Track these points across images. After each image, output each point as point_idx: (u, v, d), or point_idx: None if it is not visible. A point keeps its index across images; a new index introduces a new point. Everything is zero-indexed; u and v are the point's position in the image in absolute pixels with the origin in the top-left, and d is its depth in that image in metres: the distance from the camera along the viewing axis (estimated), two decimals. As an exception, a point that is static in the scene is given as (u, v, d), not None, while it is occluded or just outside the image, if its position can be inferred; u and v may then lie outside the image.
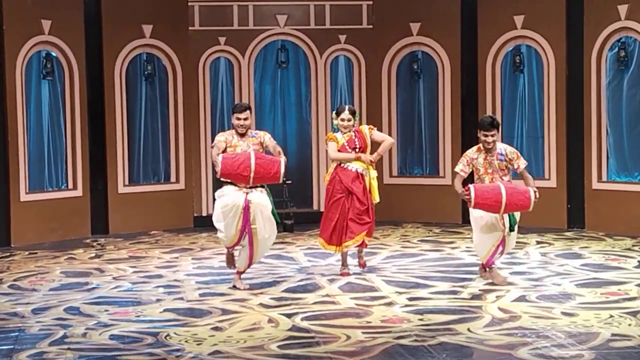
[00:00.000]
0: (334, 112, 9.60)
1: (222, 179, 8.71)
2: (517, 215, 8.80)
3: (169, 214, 13.06)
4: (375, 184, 9.46)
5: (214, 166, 8.92)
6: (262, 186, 8.84)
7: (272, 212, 8.83)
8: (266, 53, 13.63)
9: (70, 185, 12.51)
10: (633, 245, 10.86)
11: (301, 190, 13.19)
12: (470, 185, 8.54)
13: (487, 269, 8.86)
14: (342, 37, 13.63)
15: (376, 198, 9.48)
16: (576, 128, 12.30)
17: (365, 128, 9.52)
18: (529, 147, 12.82)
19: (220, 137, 8.87)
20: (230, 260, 9.06)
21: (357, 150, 9.33)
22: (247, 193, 8.69)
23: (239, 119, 8.78)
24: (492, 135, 8.66)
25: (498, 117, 12.81)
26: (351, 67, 13.76)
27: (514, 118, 12.94)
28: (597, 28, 12.05)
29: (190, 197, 13.31)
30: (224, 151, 8.73)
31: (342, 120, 9.32)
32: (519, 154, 8.89)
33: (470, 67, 13.06)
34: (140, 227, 12.76)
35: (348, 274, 9.31)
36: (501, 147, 8.86)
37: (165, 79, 13.25)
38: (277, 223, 8.94)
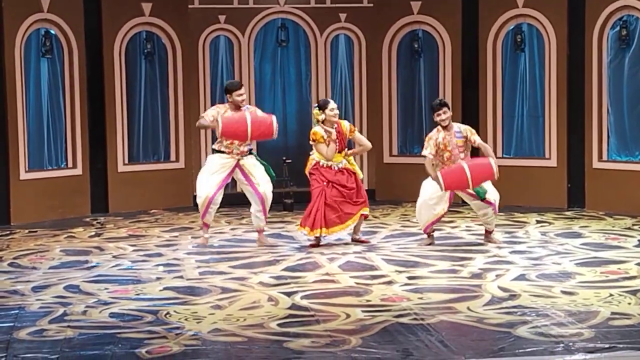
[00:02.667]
0: (316, 108, 9.71)
1: (214, 148, 9.59)
2: (488, 187, 9.46)
3: (168, 193, 13.06)
4: (357, 168, 9.93)
5: (201, 127, 9.86)
6: (251, 153, 9.65)
7: (266, 169, 9.69)
8: (266, 32, 13.58)
9: (70, 164, 12.49)
10: (633, 225, 10.86)
11: (301, 169, 13.06)
12: (438, 173, 9.29)
13: (427, 236, 9.73)
14: (343, 16, 13.58)
15: (360, 175, 9.93)
16: (577, 107, 12.28)
17: (346, 127, 9.83)
18: (530, 127, 12.81)
19: (212, 111, 9.55)
20: (205, 241, 9.73)
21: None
22: (238, 160, 9.50)
23: (240, 95, 9.56)
24: (444, 113, 9.46)
25: (499, 96, 12.89)
26: (351, 46, 13.71)
27: (514, 97, 12.91)
28: (598, 6, 12.00)
29: (190, 176, 13.28)
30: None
31: (332, 110, 9.64)
32: (472, 130, 9.66)
33: (471, 46, 13.01)
34: (140, 205, 12.75)
35: (317, 245, 9.67)
36: (457, 125, 9.65)
37: (165, 58, 13.21)
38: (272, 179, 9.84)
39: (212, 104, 13.34)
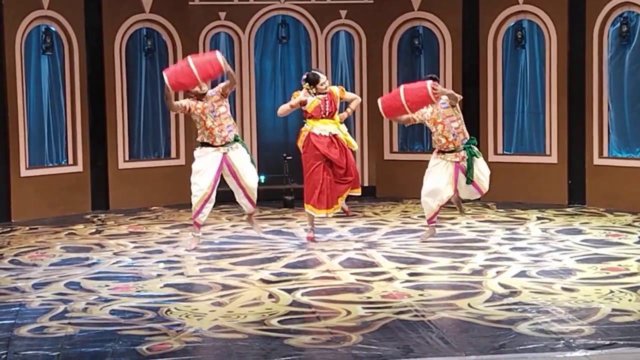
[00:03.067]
0: (306, 83, 9.74)
1: (198, 140, 9.54)
2: (479, 172, 9.56)
3: (169, 190, 13.05)
4: (349, 137, 9.92)
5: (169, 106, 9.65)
6: (236, 140, 9.57)
7: (251, 160, 9.69)
8: (267, 28, 13.57)
9: (71, 161, 12.49)
10: (634, 221, 10.85)
11: (301, 166, 13.14)
12: (379, 99, 9.53)
13: (429, 227, 9.76)
14: (343, 12, 13.57)
15: (354, 146, 9.98)
16: (577, 104, 12.27)
17: (336, 90, 9.89)
18: (530, 123, 12.80)
19: (184, 101, 9.54)
20: (192, 244, 9.59)
21: (326, 114, 9.74)
22: (225, 153, 9.42)
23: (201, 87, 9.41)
24: (436, 85, 9.42)
25: (499, 93, 12.89)
26: (352, 43, 13.70)
27: (515, 94, 12.90)
28: (599, 3, 11.99)
29: (190, 172, 13.25)
30: (188, 111, 9.45)
31: (322, 85, 9.73)
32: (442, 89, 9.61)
33: (471, 42, 13.00)
34: (141, 202, 12.76)
35: (313, 240, 9.72)
36: (441, 100, 9.62)
37: (166, 54, 13.20)
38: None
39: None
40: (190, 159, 13.18)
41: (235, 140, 9.60)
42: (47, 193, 12.08)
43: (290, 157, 12.67)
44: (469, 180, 9.57)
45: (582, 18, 12.15)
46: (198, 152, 9.60)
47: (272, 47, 13.60)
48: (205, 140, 9.50)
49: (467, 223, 10.90)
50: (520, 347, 5.93)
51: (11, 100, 11.69)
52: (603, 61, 12.07)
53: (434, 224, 9.80)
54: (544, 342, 6.02)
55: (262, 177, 13.21)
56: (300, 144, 9.90)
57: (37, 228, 11.11)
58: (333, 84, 13.54)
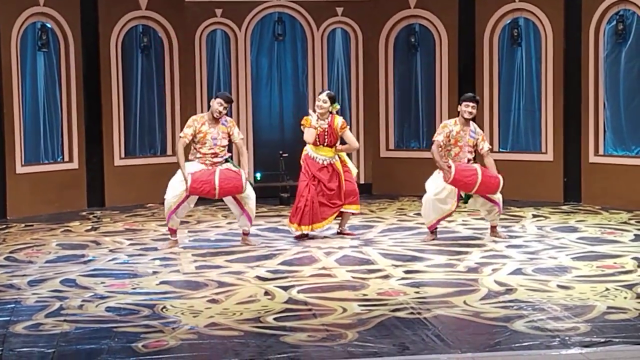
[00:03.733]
0: (336, 103, 9.97)
1: (190, 159, 9.42)
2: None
3: (165, 187, 13.01)
4: (349, 164, 10.02)
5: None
6: (227, 161, 9.45)
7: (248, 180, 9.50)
8: (263, 25, 13.56)
9: (66, 158, 12.49)
10: (629, 219, 10.87)
11: (297, 163, 13.13)
12: (452, 163, 9.29)
13: (431, 233, 9.66)
14: (339, 10, 13.57)
15: (354, 171, 10.08)
16: (573, 101, 12.28)
17: (338, 123, 9.85)
18: (526, 121, 12.82)
19: (189, 130, 9.36)
20: (173, 244, 9.50)
21: (324, 144, 9.81)
22: (214, 171, 9.24)
23: (221, 104, 9.33)
24: (473, 108, 9.44)
25: (495, 91, 12.90)
26: (348, 40, 13.70)
27: (511, 91, 12.91)
28: (595, 1, 12.00)
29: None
30: (193, 138, 9.31)
31: (318, 100, 9.82)
32: (484, 136, 9.70)
33: (467, 40, 13.01)
34: (137, 199, 12.75)
35: (306, 236, 9.83)
36: (474, 125, 9.60)
37: (162, 51, 13.20)
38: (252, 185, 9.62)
39: (209, 98, 13.34)
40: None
41: (227, 161, 9.50)
42: (43, 190, 12.07)
43: (286, 155, 12.67)
44: (465, 201, 9.55)
45: (578, 16, 12.16)
46: (190, 163, 9.42)
47: (268, 44, 13.60)
48: (196, 161, 9.41)
49: (463, 221, 10.90)
50: (516, 345, 5.94)
51: (7, 97, 11.67)
52: (599, 59, 12.08)
53: (434, 231, 9.71)
54: (539, 340, 6.02)
55: (258, 175, 13.23)
56: (302, 162, 9.97)
57: (32, 225, 11.10)
58: (329, 81, 13.61)
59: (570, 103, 12.31)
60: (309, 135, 9.80)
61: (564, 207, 11.95)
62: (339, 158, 9.92)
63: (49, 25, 12.23)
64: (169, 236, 9.66)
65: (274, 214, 11.74)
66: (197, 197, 9.46)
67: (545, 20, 12.48)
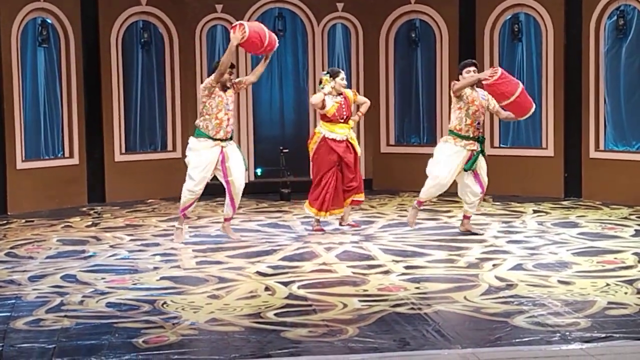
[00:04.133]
0: (326, 75, 9.74)
1: (198, 126, 9.38)
2: (480, 168, 9.63)
3: (165, 183, 13.05)
4: (355, 142, 10.00)
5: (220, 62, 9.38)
6: (231, 137, 9.50)
7: (244, 161, 9.56)
8: (263, 21, 13.46)
9: (67, 153, 12.49)
10: (630, 214, 10.87)
11: (298, 158, 13.15)
12: (498, 67, 9.46)
13: (416, 207, 9.86)
14: (340, 5, 13.56)
15: (359, 151, 10.07)
16: (574, 97, 12.27)
17: (350, 94, 9.91)
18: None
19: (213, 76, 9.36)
20: (180, 236, 9.52)
21: (343, 118, 9.76)
22: (223, 147, 9.30)
23: (231, 73, 9.45)
24: (475, 72, 9.52)
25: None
26: (349, 36, 13.69)
27: (511, 87, 12.88)
28: (595, -4, 12.00)
29: (187, 165, 13.26)
30: (210, 95, 9.31)
31: (342, 79, 9.78)
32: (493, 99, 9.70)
33: (468, 35, 13.00)
34: (137, 195, 12.75)
35: (323, 230, 9.85)
36: (481, 90, 9.64)
37: (162, 47, 13.19)
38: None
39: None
40: (186, 150, 13.22)
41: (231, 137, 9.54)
42: (44, 186, 12.07)
43: (286, 150, 12.67)
44: (467, 168, 9.55)
45: (579, 11, 12.15)
46: (196, 143, 9.35)
47: (269, 39, 13.57)
48: (208, 132, 9.29)
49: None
50: (517, 340, 5.94)
51: (7, 93, 11.67)
52: (599, 54, 12.07)
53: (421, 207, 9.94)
54: (540, 335, 6.02)
55: (259, 170, 13.23)
56: (313, 145, 9.81)
57: (33, 221, 11.10)
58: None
59: (570, 98, 12.31)
60: (317, 99, 9.69)
61: (565, 203, 11.94)
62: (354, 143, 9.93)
63: (49, 21, 12.22)
64: (177, 224, 9.61)
65: (274, 210, 11.74)
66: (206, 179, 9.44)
67: (546, 16, 12.47)
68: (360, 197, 9.99)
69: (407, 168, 13.29)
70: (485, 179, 9.69)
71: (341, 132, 9.77)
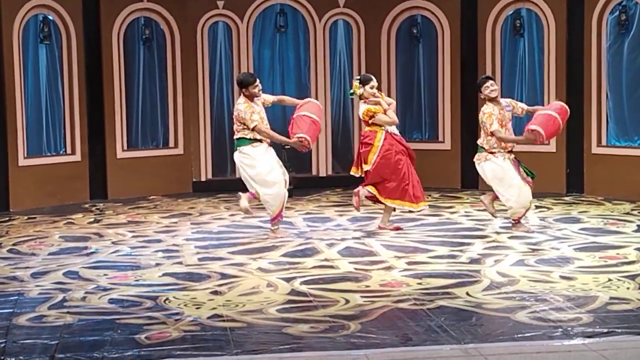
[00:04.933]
0: (357, 81, 9.71)
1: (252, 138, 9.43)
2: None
3: (167, 179, 13.06)
4: None
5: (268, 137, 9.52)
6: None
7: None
8: (265, 17, 13.55)
9: (69, 150, 12.49)
10: (632, 210, 10.86)
11: (300, 155, 13.13)
12: (533, 126, 9.14)
13: (518, 223, 9.57)
14: (341, 1, 13.56)
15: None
16: (576, 92, 12.26)
17: (385, 96, 9.96)
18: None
19: (256, 116, 9.41)
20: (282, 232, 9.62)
21: None
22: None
23: (255, 86, 9.48)
24: (493, 85, 9.41)
25: (498, 82, 12.84)
26: (350, 32, 13.69)
27: (513, 82, 12.89)
28: (597, -9, 11.99)
29: (189, 162, 13.30)
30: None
31: (372, 87, 9.67)
32: (513, 100, 9.84)
33: (470, 31, 12.99)
34: (139, 192, 12.75)
35: (399, 227, 9.77)
36: (502, 100, 9.57)
37: (164, 44, 13.19)
38: None
39: (211, 90, 13.38)
40: (188, 148, 13.26)
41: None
42: (46, 182, 12.08)
43: (289, 147, 12.64)
44: (533, 176, 9.55)
45: (581, 6, 12.14)
46: (253, 150, 9.42)
47: (271, 36, 13.59)
48: (258, 138, 9.45)
49: (466, 212, 10.90)
50: (519, 335, 5.94)
51: (9, 90, 11.67)
52: (602, 50, 12.06)
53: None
54: (542, 330, 6.02)
55: None
56: (377, 143, 9.58)
57: (35, 217, 11.11)
58: (331, 73, 13.62)
59: (572, 94, 12.29)
60: (391, 113, 9.66)
61: (567, 198, 11.94)
62: None
63: (50, 18, 12.22)
64: (273, 227, 9.58)
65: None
66: None
67: (548, 11, 12.45)
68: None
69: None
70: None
71: (391, 127, 9.73)
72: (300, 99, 10.10)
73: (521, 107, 9.67)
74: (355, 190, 9.83)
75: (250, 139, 9.40)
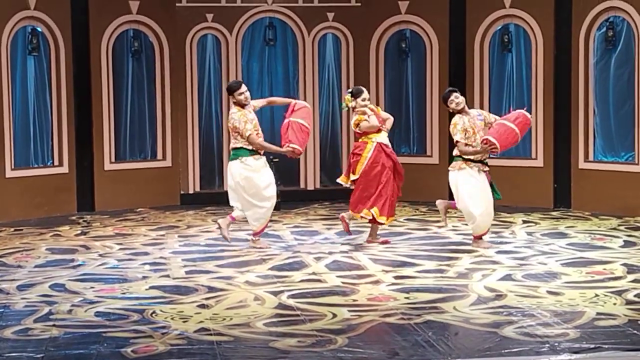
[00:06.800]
0: (348, 94, 9.75)
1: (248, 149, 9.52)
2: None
3: (155, 192, 13.03)
4: None
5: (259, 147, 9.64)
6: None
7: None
8: (254, 30, 13.57)
9: (56, 162, 12.46)
10: (619, 225, 10.90)
11: (288, 168, 13.15)
12: (488, 137, 9.21)
13: (479, 239, 9.52)
14: (330, 15, 13.58)
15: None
16: (563, 108, 12.31)
17: (378, 109, 9.98)
18: (516, 127, 12.82)
19: (250, 125, 9.46)
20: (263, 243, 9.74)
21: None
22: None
23: (241, 93, 9.53)
24: (456, 98, 9.43)
25: (486, 97, 12.92)
26: (339, 45, 13.71)
27: (501, 97, 12.94)
28: (585, 7, 12.04)
29: (176, 174, 13.28)
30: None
31: (364, 100, 9.71)
32: (484, 111, 10.04)
33: (458, 46, 13.03)
34: (127, 204, 12.72)
35: (388, 241, 9.81)
36: (473, 110, 9.70)
37: (152, 56, 13.19)
38: None
39: (200, 102, 13.37)
40: (176, 160, 13.24)
41: None
42: (33, 194, 12.04)
43: (277, 160, 12.64)
44: (498, 196, 9.51)
45: (569, 22, 12.20)
46: (255, 162, 9.54)
47: (259, 49, 13.60)
48: (252, 148, 9.52)
49: (453, 226, 10.90)
50: (506, 351, 5.94)
51: (-3, 101, 11.66)
52: (589, 65, 12.12)
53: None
54: (529, 346, 6.03)
55: None
56: (367, 154, 9.63)
57: (22, 229, 11.07)
58: (320, 86, 13.64)
59: (560, 109, 12.34)
60: (373, 119, 9.65)
61: (554, 213, 11.97)
62: None
63: (39, 29, 12.21)
64: (255, 238, 9.76)
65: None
66: None
67: (536, 27, 12.51)
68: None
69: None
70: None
71: (384, 138, 9.76)
72: (286, 112, 10.11)
73: (493, 117, 9.70)
74: (340, 216, 10.09)
75: (251, 150, 9.48)
